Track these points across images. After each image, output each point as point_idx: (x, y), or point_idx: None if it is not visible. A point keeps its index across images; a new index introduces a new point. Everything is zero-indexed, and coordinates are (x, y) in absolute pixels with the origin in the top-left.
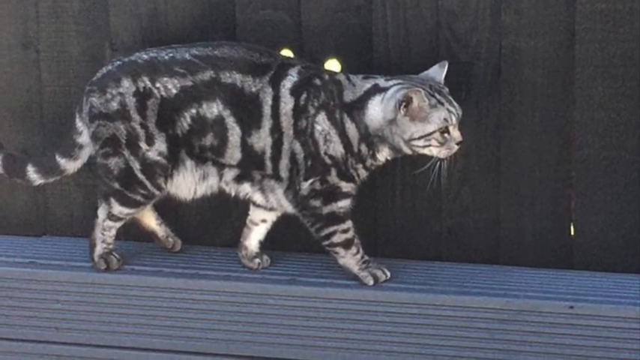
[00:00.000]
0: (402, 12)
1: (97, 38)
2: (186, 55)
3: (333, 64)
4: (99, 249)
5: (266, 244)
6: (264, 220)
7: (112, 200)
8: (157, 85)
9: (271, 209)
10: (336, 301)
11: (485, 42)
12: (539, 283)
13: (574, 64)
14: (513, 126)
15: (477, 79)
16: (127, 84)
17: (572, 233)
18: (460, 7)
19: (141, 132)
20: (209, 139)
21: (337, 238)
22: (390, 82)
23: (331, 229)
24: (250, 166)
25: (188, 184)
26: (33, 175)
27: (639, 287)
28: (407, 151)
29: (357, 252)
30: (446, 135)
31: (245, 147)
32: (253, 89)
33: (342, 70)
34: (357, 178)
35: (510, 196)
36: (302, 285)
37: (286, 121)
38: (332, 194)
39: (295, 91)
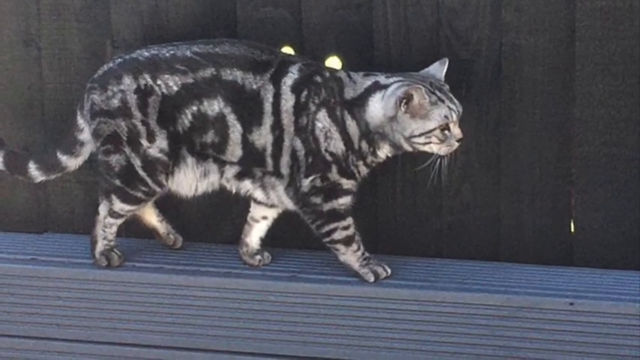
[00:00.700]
0: (403, 9)
1: (98, 35)
2: (188, 53)
3: (333, 62)
4: (100, 246)
5: (267, 241)
6: (264, 217)
7: (113, 197)
8: (158, 82)
9: (272, 206)
10: (337, 298)
11: (485, 39)
12: (540, 280)
13: (574, 62)
14: (514, 123)
15: (477, 76)
16: (128, 81)
17: (573, 230)
18: (460, 5)
19: (142, 129)
20: (210, 136)
21: (338, 235)
22: (391, 80)
23: (332, 226)
24: (251, 163)
25: (189, 181)
26: (34, 172)
27: (639, 284)
28: (407, 148)
29: (358, 249)
30: (446, 132)
31: (246, 144)
32: (254, 86)
33: (342, 68)
34: (357, 175)
35: (511, 193)
36: (303, 282)
37: (287, 119)
38: (333, 191)
39: (296, 89)
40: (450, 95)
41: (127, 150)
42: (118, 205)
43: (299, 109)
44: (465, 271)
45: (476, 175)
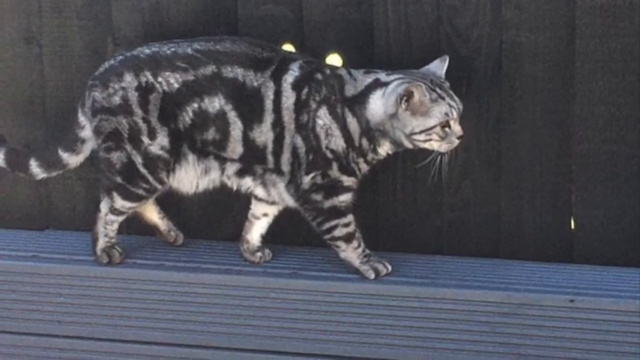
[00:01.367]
0: (403, 7)
1: (99, 33)
2: (188, 50)
3: (334, 59)
4: (101, 243)
5: (268, 238)
6: (265, 214)
7: (115, 194)
8: (159, 79)
9: (273, 203)
10: (338, 295)
11: (485, 37)
12: (540, 277)
13: (574, 59)
14: (514, 120)
15: (477, 73)
16: (129, 78)
17: (573, 227)
18: (461, 2)
19: (143, 126)
20: (211, 134)
21: (338, 232)
22: (391, 77)
23: (332, 223)
24: (252, 160)
25: (190, 178)
26: (36, 169)
27: (639, 281)
28: (408, 145)
29: (359, 246)
30: (447, 129)
31: (247, 141)
32: (255, 84)
33: (343, 65)
34: (358, 172)
35: (511, 190)
36: (303, 278)
37: (288, 116)
38: (333, 188)
39: (297, 86)
40: (451, 92)
41: (128, 147)
42: (119, 203)
43: (300, 106)
44: (466, 268)
45: (476, 173)
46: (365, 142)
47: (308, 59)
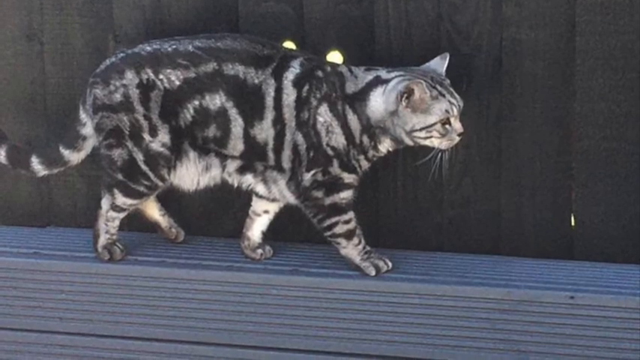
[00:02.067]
0: (404, 4)
1: (100, 30)
2: (190, 47)
3: (335, 56)
4: (102, 239)
5: (268, 235)
6: (266, 211)
7: (116, 191)
8: (160, 76)
9: (274, 200)
10: (338, 292)
11: (486, 34)
12: (540, 274)
13: (574, 56)
14: (514, 117)
15: (478, 70)
16: (130, 76)
17: (573, 224)
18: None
19: (144, 123)
20: (212, 131)
21: (339, 229)
22: (392, 74)
23: (333, 219)
24: (253, 157)
25: (191, 175)
26: (37, 166)
27: (639, 277)
28: (408, 142)
29: (359, 242)
30: (447, 126)
31: (248, 138)
32: (256, 81)
33: (344, 62)
34: (358, 169)
35: (511, 187)
36: (304, 275)
37: (289, 113)
38: (334, 185)
39: (297, 83)
40: (451, 90)
41: (130, 144)
42: (121, 199)
43: (300, 103)
44: (466, 264)
45: (477, 169)
46: (365, 139)
47: (309, 56)
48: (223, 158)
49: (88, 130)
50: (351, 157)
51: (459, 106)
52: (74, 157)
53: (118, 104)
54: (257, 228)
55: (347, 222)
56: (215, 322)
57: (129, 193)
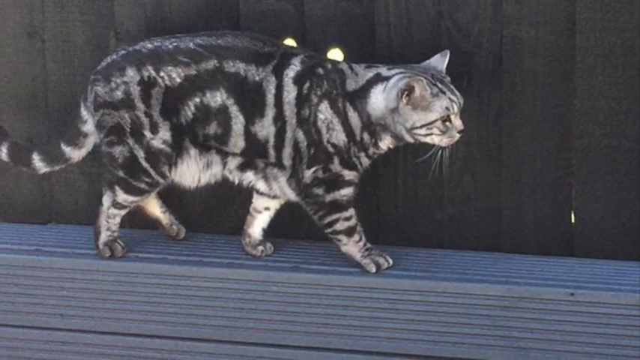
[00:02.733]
0: (404, 1)
1: (101, 27)
2: (191, 45)
3: (335, 54)
4: (103, 236)
5: (269, 232)
6: (267, 208)
7: (117, 188)
8: (162, 74)
9: (274, 197)
10: (339, 289)
11: (486, 31)
12: (540, 271)
13: (575, 54)
14: (514, 115)
15: (478, 68)
16: (131, 73)
17: (573, 221)
18: None
19: (145, 120)
20: (213, 128)
21: (340, 226)
22: (393, 71)
23: (334, 216)
24: (254, 154)
25: (192, 172)
26: (38, 163)
27: (639, 274)
28: (409, 139)
29: (360, 239)
30: (447, 124)
31: (248, 135)
32: (257, 78)
33: (344, 59)
34: (359, 166)
35: (511, 184)
36: (305, 272)
37: (289, 110)
38: (335, 182)
39: (298, 80)
40: (451, 87)
41: (131, 141)
42: (122, 196)
43: (301, 100)
44: (466, 261)
45: (477, 167)
46: (366, 137)
47: (309, 54)
48: (224, 155)
49: (89, 127)
50: (351, 155)
51: (459, 103)
52: (75, 154)
53: (119, 101)
54: (258, 225)
55: (347, 219)
56: (216, 319)
57: (130, 190)
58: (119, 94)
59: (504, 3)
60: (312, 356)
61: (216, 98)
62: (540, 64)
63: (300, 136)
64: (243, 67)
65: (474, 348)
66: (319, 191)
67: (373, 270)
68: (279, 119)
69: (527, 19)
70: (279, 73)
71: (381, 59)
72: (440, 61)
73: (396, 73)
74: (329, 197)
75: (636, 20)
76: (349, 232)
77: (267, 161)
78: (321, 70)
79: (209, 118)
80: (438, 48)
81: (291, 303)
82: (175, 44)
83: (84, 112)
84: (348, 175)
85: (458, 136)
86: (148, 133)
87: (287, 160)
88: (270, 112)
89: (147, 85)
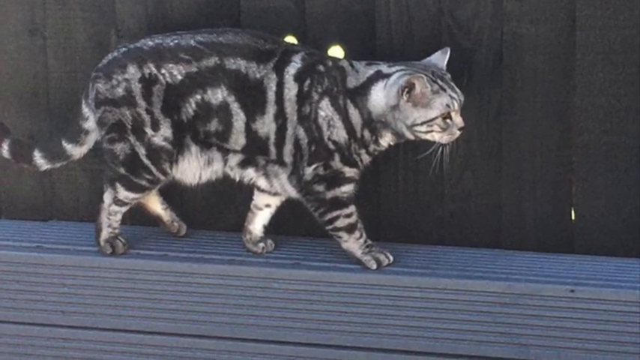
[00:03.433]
0: None
1: (103, 25)
2: (191, 42)
3: (336, 51)
4: (105, 233)
5: (270, 229)
6: (268, 205)
7: (118, 185)
8: (163, 71)
9: (275, 194)
10: (340, 285)
11: (487, 28)
12: (541, 267)
13: (575, 51)
14: (515, 112)
15: (478, 65)
16: (132, 70)
17: (573, 218)
18: None
19: (146, 118)
20: (214, 125)
21: (340, 223)
22: (393, 69)
23: (335, 213)
24: (255, 151)
25: (193, 169)
26: (39, 160)
27: (639, 271)
28: (409, 136)
29: (360, 236)
30: (448, 121)
31: (249, 132)
32: (257, 75)
33: (345, 57)
34: (360, 163)
35: (512, 181)
36: (306, 269)
37: (290, 107)
38: (335, 179)
39: (299, 78)
40: (452, 84)
41: (132, 138)
42: (123, 193)
43: (302, 97)
44: (467, 258)
45: (477, 164)
46: (367, 134)
47: (310, 51)
48: (225, 152)
49: (90, 124)
50: (352, 152)
51: (459, 100)
52: (77, 151)
53: (121, 98)
54: (259, 222)
55: (348, 216)
56: (217, 315)
57: (131, 187)
58: (120, 91)
59: (504, 0)
60: (312, 353)
61: (217, 95)
62: (540, 61)
63: (301, 133)
64: (244, 64)
65: (475, 344)
66: (320, 188)
67: (374, 267)
68: (280, 116)
69: (528, 17)
70: (280, 71)
71: (382, 56)
72: (440, 59)
73: (397, 71)
74: (330, 194)
75: (636, 17)
76: (350, 229)
77: (268, 158)
78: (321, 68)
79: (210, 115)
80: (439, 45)
81: (292, 300)
82: (176, 41)
83: (85, 109)
84: (349, 172)
85: (458, 133)
86: (149, 130)
87: (288, 157)
88: (271, 110)
89: (148, 82)
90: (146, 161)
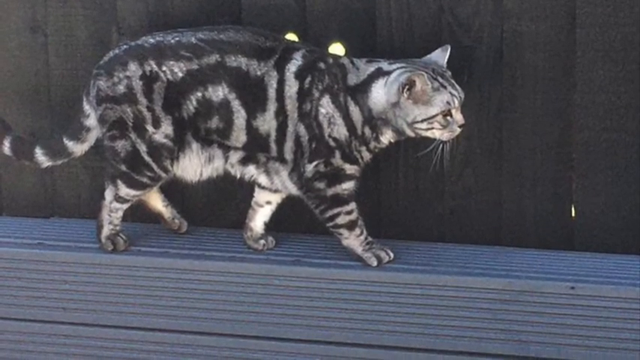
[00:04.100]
0: None
1: (104, 22)
2: (192, 39)
3: (337, 48)
4: (106, 230)
5: (271, 226)
6: (268, 202)
7: (119, 182)
8: (164, 68)
9: (276, 191)
10: (340, 282)
11: (487, 26)
12: (541, 264)
13: (575, 48)
14: (515, 109)
15: (479, 62)
16: (133, 67)
17: (573, 215)
18: None
19: (147, 115)
20: (215, 122)
21: (341, 220)
22: (394, 66)
23: (335, 210)
24: (255, 148)
25: (194, 166)
26: (41, 157)
27: (639, 268)
28: (410, 133)
29: (361, 233)
30: (448, 118)
31: (250, 130)
32: (258, 73)
33: (346, 54)
34: (360, 160)
35: (512, 178)
36: (306, 266)
37: (291, 105)
38: (336, 176)
39: (300, 75)
40: (452, 81)
41: (133, 136)
42: (124, 190)
43: (303, 95)
44: (467, 255)
45: (478, 161)
46: (367, 131)
47: (311, 48)
48: (226, 149)
49: (91, 121)
50: (352, 149)
51: (460, 97)
52: (78, 148)
53: (122, 96)
54: (259, 219)
55: (349, 213)
56: (218, 312)
57: (132, 184)
58: (121, 88)
59: None
60: (313, 349)
61: (218, 93)
62: (541, 59)
63: (302, 130)
64: (245, 61)
65: (475, 341)
66: (321, 185)
67: (374, 263)
68: (281, 113)
69: (528, 14)
70: (280, 68)
71: (382, 54)
72: (441, 56)
73: (397, 68)
74: (330, 191)
75: (636, 15)
76: (350, 225)
77: (269, 155)
78: (322, 65)
79: (211, 113)
80: (439, 42)
81: (293, 296)
82: (177, 39)
83: (86, 107)
84: (350, 169)
85: (459, 130)
86: (150, 128)
87: (289, 155)
88: (271, 107)
89: (149, 79)
90: (147, 158)
